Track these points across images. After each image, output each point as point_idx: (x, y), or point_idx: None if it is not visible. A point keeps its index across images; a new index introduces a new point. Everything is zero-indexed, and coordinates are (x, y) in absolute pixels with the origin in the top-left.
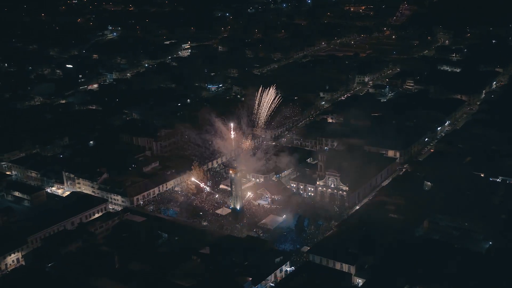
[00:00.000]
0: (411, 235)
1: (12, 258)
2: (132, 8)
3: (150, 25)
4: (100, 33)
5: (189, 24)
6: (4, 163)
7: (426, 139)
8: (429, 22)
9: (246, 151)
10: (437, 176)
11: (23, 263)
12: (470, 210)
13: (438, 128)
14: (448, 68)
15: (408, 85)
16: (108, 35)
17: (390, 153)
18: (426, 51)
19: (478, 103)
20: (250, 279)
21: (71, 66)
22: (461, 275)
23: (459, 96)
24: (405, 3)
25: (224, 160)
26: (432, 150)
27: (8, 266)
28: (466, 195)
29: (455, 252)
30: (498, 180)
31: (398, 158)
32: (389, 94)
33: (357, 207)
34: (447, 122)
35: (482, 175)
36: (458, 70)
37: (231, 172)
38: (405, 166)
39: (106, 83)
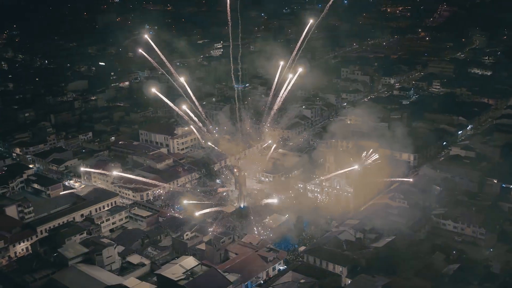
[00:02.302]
0: (410, 238)
1: (22, 247)
2: (170, 8)
3: (186, 25)
4: (137, 31)
5: (224, 24)
6: (29, 156)
7: (444, 143)
8: (466, 24)
9: (255, 151)
10: (448, 181)
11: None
12: (476, 216)
13: (459, 132)
14: (478, 71)
15: (435, 88)
16: (144, 34)
17: (404, 156)
18: (459, 53)
19: (505, 107)
20: (240, 275)
21: (104, 64)
22: (455, 280)
23: (486, 100)
24: (444, 4)
25: (237, 158)
26: (448, 155)
27: (18, 254)
28: (475, 200)
29: (452, 257)
30: (511, 186)
31: (412, 162)
32: (413, 97)
33: (362, 209)
34: (470, 126)
35: (496, 181)
36: (489, 73)
37: (235, 171)
38: (417, 170)
39: (137, 80)
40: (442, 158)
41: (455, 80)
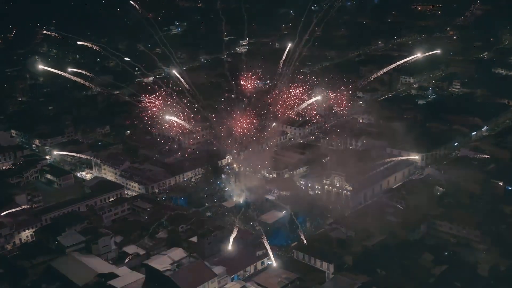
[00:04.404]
0: (402, 238)
1: (26, 234)
2: (200, 5)
3: (214, 21)
4: (166, 28)
5: (251, 21)
6: (47, 147)
7: (456, 143)
8: (499, 23)
9: (254, 148)
10: (452, 182)
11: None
12: (473, 218)
13: (473, 133)
14: (503, 71)
15: (454, 88)
16: (173, 30)
17: (412, 155)
18: (486, 53)
19: None
20: (227, 268)
21: (129, 59)
22: (439, 281)
23: (506, 101)
24: (478, 2)
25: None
26: (457, 155)
27: (23, 240)
28: (476, 202)
29: (443, 258)
30: None
31: (420, 162)
32: (431, 96)
33: (359, 207)
34: (485, 127)
35: (501, 183)
36: None
37: (235, 166)
38: (423, 170)
39: (161, 76)
40: (452, 159)
41: (477, 80)
